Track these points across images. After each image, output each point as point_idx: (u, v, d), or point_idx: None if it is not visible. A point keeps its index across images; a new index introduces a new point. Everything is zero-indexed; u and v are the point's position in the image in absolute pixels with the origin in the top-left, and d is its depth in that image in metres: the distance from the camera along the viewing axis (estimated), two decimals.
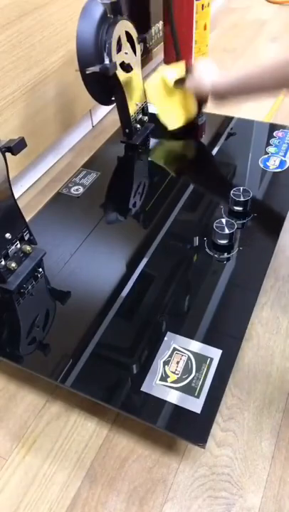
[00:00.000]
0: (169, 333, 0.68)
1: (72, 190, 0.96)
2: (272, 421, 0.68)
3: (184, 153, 1.07)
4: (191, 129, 1.06)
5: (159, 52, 1.58)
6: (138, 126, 1.06)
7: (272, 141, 1.05)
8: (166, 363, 0.65)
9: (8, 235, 0.73)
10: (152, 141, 1.07)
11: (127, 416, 0.62)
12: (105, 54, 0.91)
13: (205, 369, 0.64)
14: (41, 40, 1.03)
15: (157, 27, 1.50)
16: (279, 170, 0.97)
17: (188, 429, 0.59)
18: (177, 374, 0.63)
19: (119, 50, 0.94)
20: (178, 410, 0.60)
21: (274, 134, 1.07)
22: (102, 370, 0.66)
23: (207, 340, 0.67)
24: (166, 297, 0.74)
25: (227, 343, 0.67)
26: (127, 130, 1.05)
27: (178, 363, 0.64)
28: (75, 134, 1.32)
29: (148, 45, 1.48)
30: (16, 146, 0.69)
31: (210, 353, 0.66)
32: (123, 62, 0.96)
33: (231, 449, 0.66)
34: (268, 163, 0.99)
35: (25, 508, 0.62)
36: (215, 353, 0.65)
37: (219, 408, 0.61)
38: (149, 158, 1.04)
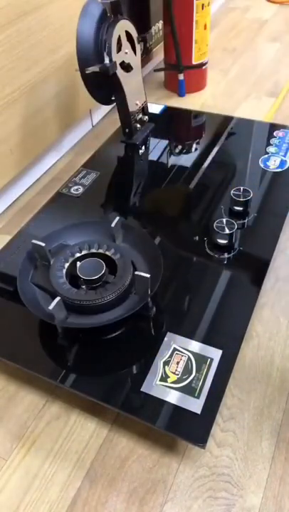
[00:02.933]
0: (169, 333, 0.68)
1: (72, 190, 0.96)
2: (272, 421, 0.68)
3: (184, 153, 1.07)
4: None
5: (159, 52, 1.58)
6: (138, 125, 1.06)
7: (272, 141, 1.04)
8: (167, 363, 0.65)
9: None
10: (152, 141, 1.07)
11: (127, 416, 0.62)
12: (105, 53, 0.91)
13: (205, 369, 0.63)
14: (41, 40, 1.03)
15: (157, 27, 1.50)
16: (279, 170, 0.97)
17: (188, 429, 0.59)
18: (177, 374, 0.63)
19: (119, 49, 0.94)
20: (178, 411, 0.60)
21: (274, 133, 1.07)
22: (102, 370, 0.66)
23: (207, 341, 0.67)
24: (166, 297, 0.74)
25: (227, 344, 0.67)
26: (127, 130, 1.05)
27: (178, 363, 0.64)
28: (75, 133, 1.32)
29: (148, 45, 1.48)
30: None
31: (210, 353, 0.65)
32: (123, 61, 0.96)
33: (231, 450, 0.66)
34: (268, 163, 0.98)
35: (26, 508, 0.62)
36: (215, 354, 0.65)
37: (219, 408, 0.61)
38: (149, 158, 1.04)
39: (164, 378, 0.63)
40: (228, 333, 0.69)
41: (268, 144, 1.03)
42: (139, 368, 0.65)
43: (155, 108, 1.18)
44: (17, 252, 0.78)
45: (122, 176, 1.01)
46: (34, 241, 0.72)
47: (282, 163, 0.98)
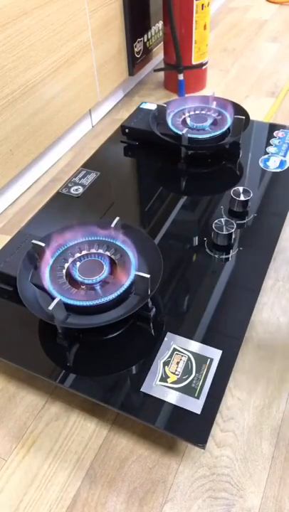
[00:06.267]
0: (169, 333, 0.68)
1: (71, 190, 0.96)
2: (272, 421, 0.68)
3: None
4: None
5: (158, 52, 1.58)
6: None
7: (272, 141, 1.04)
8: (166, 363, 0.65)
9: None
10: (152, 142, 1.06)
11: (127, 416, 0.62)
12: None
13: (205, 369, 0.63)
14: (41, 39, 1.03)
15: (157, 27, 1.50)
16: (279, 170, 0.97)
17: (188, 429, 0.59)
18: (177, 375, 0.63)
19: None
20: (178, 411, 0.60)
21: (274, 134, 1.06)
22: (101, 370, 0.66)
23: (207, 341, 0.67)
24: (165, 297, 0.74)
25: (227, 344, 0.67)
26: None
27: (178, 363, 0.64)
28: (74, 133, 1.32)
29: (148, 45, 1.48)
30: None
31: (210, 353, 0.65)
32: None
33: (231, 450, 0.65)
34: (268, 163, 0.98)
35: (25, 508, 0.62)
36: (215, 354, 0.65)
37: (219, 408, 0.61)
38: (149, 159, 1.04)
39: (164, 378, 0.63)
40: (228, 333, 0.69)
41: (268, 144, 1.03)
42: (138, 368, 0.65)
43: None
44: (17, 252, 0.78)
45: (122, 176, 1.01)
46: (34, 241, 0.72)
47: (282, 163, 0.98)
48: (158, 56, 1.60)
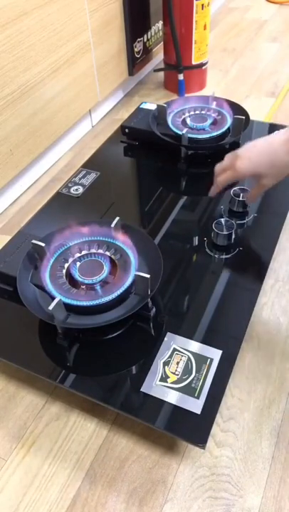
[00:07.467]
0: (169, 333, 0.68)
1: (71, 190, 0.96)
2: (272, 421, 0.68)
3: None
4: None
5: (158, 52, 1.58)
6: None
7: None
8: (166, 363, 0.64)
9: None
10: (152, 142, 1.06)
11: (127, 416, 0.62)
12: None
13: (205, 370, 0.63)
14: (41, 39, 1.03)
15: (157, 27, 1.50)
16: None
17: (188, 429, 0.59)
18: (177, 375, 0.63)
19: None
20: (178, 411, 0.60)
21: None
22: (101, 370, 0.66)
23: (207, 341, 0.67)
24: (165, 297, 0.74)
25: (227, 344, 0.67)
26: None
27: (178, 363, 0.64)
28: (74, 133, 1.32)
29: (148, 45, 1.48)
30: None
31: (210, 353, 0.65)
32: None
33: (231, 450, 0.65)
34: None
35: (25, 508, 0.62)
36: (215, 354, 0.65)
37: (219, 408, 0.61)
38: (149, 159, 1.04)
39: (164, 378, 0.63)
40: (228, 334, 0.69)
41: None
42: (139, 368, 0.65)
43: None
44: (17, 252, 0.78)
45: (122, 176, 1.01)
46: (34, 241, 0.72)
47: None
48: (158, 56, 1.60)
